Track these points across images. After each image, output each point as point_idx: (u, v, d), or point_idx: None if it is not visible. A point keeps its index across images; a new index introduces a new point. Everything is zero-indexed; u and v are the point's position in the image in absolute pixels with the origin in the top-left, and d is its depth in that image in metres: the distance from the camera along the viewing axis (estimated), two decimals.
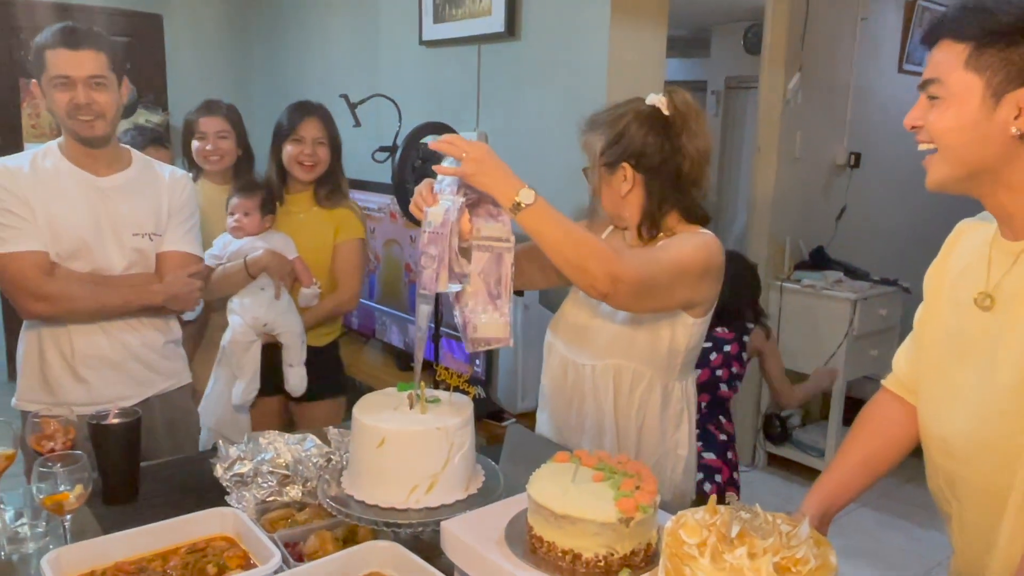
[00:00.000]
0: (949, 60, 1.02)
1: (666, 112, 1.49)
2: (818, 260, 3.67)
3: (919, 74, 1.09)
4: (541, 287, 1.73)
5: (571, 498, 1.12)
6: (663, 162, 1.50)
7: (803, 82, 3.46)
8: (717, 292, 1.55)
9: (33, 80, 1.74)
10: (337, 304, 2.42)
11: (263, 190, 2.37)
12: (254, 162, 2.74)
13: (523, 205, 1.29)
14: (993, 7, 1.00)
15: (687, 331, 1.54)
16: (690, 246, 1.48)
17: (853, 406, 3.69)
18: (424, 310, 1.34)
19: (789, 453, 3.67)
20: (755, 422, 3.73)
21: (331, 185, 2.39)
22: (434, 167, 1.34)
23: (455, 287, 1.33)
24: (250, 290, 2.28)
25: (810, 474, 3.60)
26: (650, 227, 1.54)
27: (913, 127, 1.08)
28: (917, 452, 1.29)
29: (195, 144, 2.58)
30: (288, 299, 2.31)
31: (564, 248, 1.33)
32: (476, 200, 1.36)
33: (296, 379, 2.30)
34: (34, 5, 4.21)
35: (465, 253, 1.36)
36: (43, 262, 1.70)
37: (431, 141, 1.33)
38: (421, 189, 1.36)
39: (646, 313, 1.50)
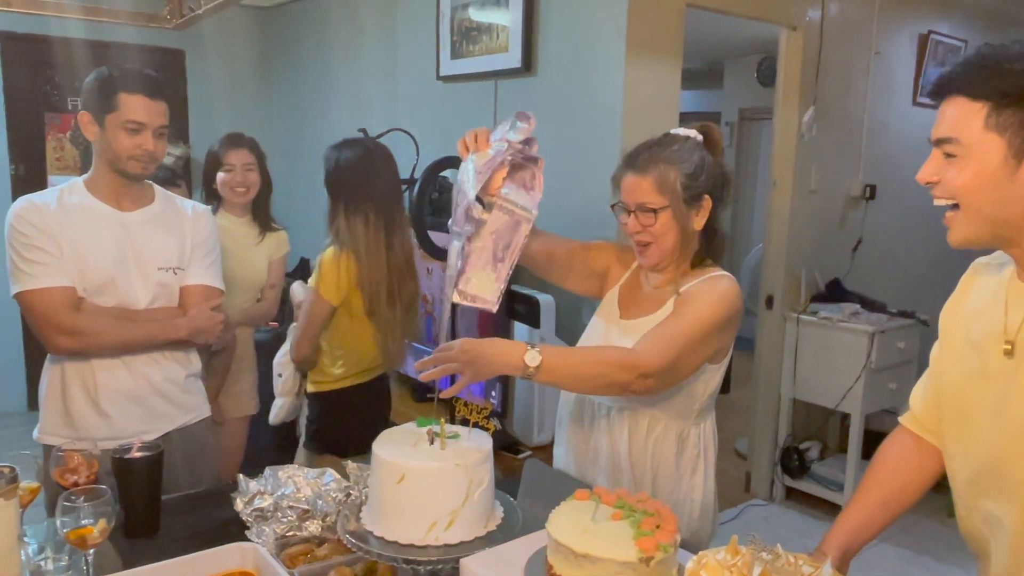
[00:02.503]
0: (965, 118, 1.00)
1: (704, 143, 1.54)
2: (834, 292, 3.66)
3: (933, 106, 1.08)
4: (576, 291, 1.73)
5: (591, 536, 1.12)
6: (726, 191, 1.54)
7: (817, 115, 3.48)
8: (736, 334, 1.56)
9: (83, 111, 1.76)
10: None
11: None
12: (272, 193, 2.78)
13: (533, 368, 1.31)
14: (1007, 65, 0.98)
15: (706, 378, 1.54)
16: (710, 302, 1.48)
17: (872, 439, 3.67)
18: (456, 246, 1.35)
19: (807, 487, 3.63)
20: (772, 455, 3.70)
21: (328, 223, 2.36)
22: (441, 395, 1.38)
23: (468, 229, 1.35)
24: None
25: (829, 508, 3.55)
26: (703, 257, 1.56)
27: (928, 183, 1.07)
28: (936, 487, 1.28)
29: (222, 176, 2.62)
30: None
31: (588, 379, 1.37)
32: (519, 165, 1.37)
33: (272, 408, 2.46)
34: (60, 41, 4.30)
35: (487, 206, 1.38)
36: (71, 297, 1.72)
37: (422, 374, 1.36)
38: (478, 133, 1.37)
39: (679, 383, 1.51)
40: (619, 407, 1.55)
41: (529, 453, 2.80)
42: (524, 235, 1.38)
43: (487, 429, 1.38)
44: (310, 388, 2.39)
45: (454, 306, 2.49)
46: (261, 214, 2.71)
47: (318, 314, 2.25)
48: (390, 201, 2.32)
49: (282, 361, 2.37)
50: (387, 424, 2.51)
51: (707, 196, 1.52)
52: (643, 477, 1.56)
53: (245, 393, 2.70)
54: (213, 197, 2.68)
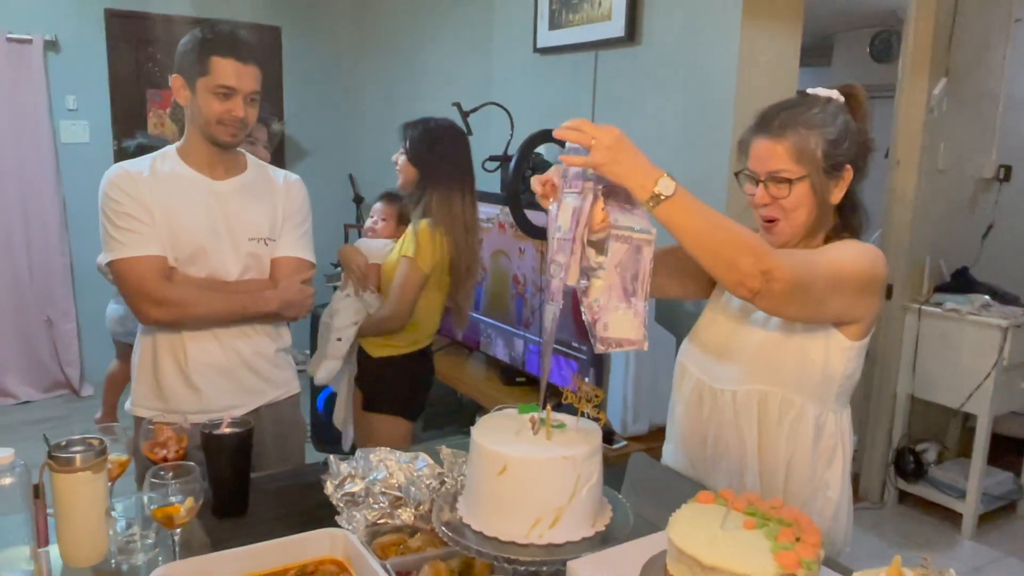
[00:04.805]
0: None
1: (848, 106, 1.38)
2: (961, 282, 3.36)
3: None
4: (674, 296, 1.57)
5: (721, 547, 0.99)
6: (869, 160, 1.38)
7: (949, 88, 3.18)
8: (876, 312, 1.38)
9: (175, 75, 1.71)
10: (378, 318, 2.38)
11: (401, 201, 2.52)
12: None
13: (663, 197, 1.15)
14: None
15: (843, 355, 1.37)
16: (851, 254, 1.32)
17: (999, 443, 3.37)
18: (550, 311, 1.21)
19: (923, 492, 3.36)
20: (886, 455, 3.44)
21: (416, 198, 2.37)
22: (560, 156, 1.20)
23: (583, 283, 1.21)
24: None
25: (947, 516, 3.28)
26: (838, 235, 1.39)
27: None
28: None
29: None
30: (351, 297, 2.41)
31: (710, 242, 1.19)
32: (609, 190, 1.24)
33: (321, 368, 2.40)
34: (161, 18, 4.39)
35: (598, 247, 1.24)
36: (162, 267, 1.69)
37: (556, 129, 1.20)
38: (546, 179, 1.22)
39: (794, 320, 1.34)
40: (745, 388, 1.40)
41: (624, 443, 2.68)
42: (649, 258, 1.22)
43: (597, 420, 1.25)
44: (378, 352, 2.42)
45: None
46: None
47: (414, 282, 2.32)
48: (472, 179, 2.42)
49: (344, 325, 2.40)
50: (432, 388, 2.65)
51: (848, 166, 1.35)
52: (775, 468, 1.40)
53: None
54: None
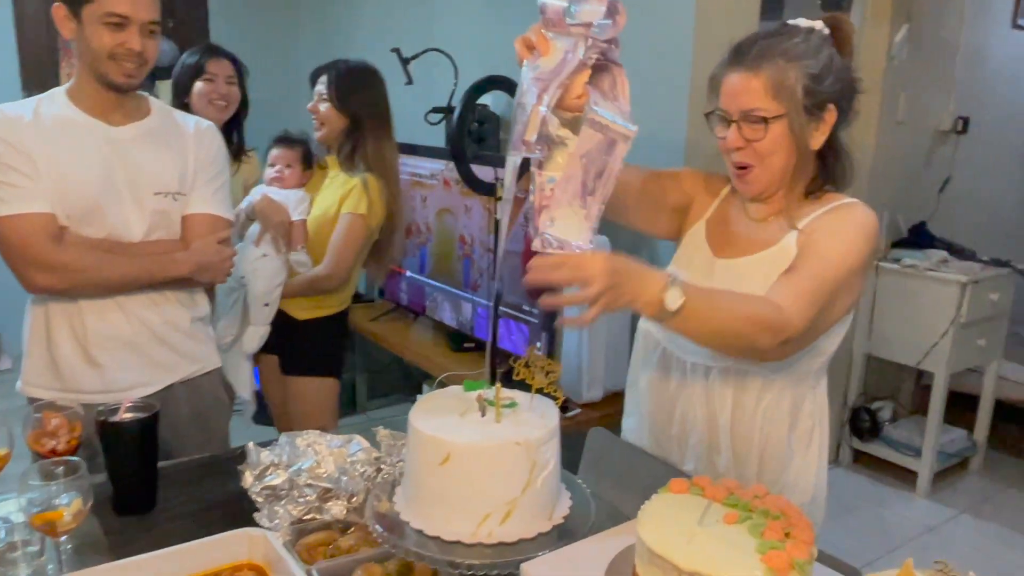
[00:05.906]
0: None
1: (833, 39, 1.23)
2: (918, 237, 3.30)
3: None
4: (635, 227, 1.41)
5: (700, 547, 0.86)
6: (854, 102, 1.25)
7: (909, 36, 3.06)
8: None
9: (57, 4, 1.47)
10: (312, 277, 2.22)
11: (304, 143, 2.34)
12: (247, 115, 2.50)
13: (672, 310, 1.02)
14: None
15: (836, 331, 1.26)
16: (852, 237, 1.19)
17: (956, 401, 3.35)
18: (511, 162, 1.04)
19: (878, 451, 3.32)
20: (841, 414, 3.39)
21: (348, 149, 2.22)
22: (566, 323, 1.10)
23: (535, 154, 1.04)
24: (246, 239, 2.23)
25: (902, 475, 3.25)
26: (819, 188, 1.26)
27: None
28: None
29: (200, 86, 2.32)
30: (268, 256, 2.19)
31: (725, 336, 1.10)
32: (598, 67, 1.04)
33: (248, 337, 2.22)
34: None
35: (571, 126, 1.06)
36: (50, 226, 1.46)
37: (529, 275, 1.03)
38: (537, 29, 1.02)
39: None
40: (722, 367, 1.26)
41: (578, 411, 2.55)
42: (620, 158, 1.04)
43: (554, 397, 1.10)
44: (305, 315, 2.28)
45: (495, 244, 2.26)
46: (236, 136, 2.44)
47: (361, 240, 2.23)
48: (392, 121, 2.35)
49: (268, 289, 2.20)
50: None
51: (832, 106, 1.20)
52: (747, 455, 1.28)
53: None
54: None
